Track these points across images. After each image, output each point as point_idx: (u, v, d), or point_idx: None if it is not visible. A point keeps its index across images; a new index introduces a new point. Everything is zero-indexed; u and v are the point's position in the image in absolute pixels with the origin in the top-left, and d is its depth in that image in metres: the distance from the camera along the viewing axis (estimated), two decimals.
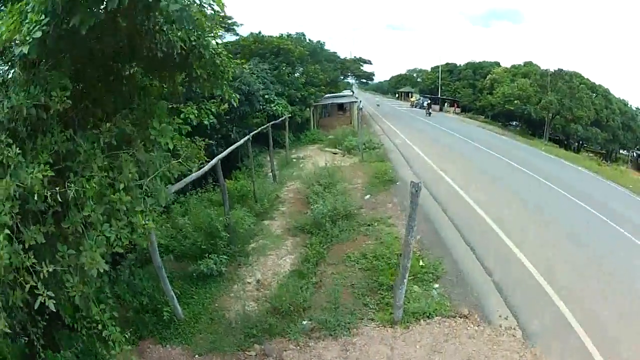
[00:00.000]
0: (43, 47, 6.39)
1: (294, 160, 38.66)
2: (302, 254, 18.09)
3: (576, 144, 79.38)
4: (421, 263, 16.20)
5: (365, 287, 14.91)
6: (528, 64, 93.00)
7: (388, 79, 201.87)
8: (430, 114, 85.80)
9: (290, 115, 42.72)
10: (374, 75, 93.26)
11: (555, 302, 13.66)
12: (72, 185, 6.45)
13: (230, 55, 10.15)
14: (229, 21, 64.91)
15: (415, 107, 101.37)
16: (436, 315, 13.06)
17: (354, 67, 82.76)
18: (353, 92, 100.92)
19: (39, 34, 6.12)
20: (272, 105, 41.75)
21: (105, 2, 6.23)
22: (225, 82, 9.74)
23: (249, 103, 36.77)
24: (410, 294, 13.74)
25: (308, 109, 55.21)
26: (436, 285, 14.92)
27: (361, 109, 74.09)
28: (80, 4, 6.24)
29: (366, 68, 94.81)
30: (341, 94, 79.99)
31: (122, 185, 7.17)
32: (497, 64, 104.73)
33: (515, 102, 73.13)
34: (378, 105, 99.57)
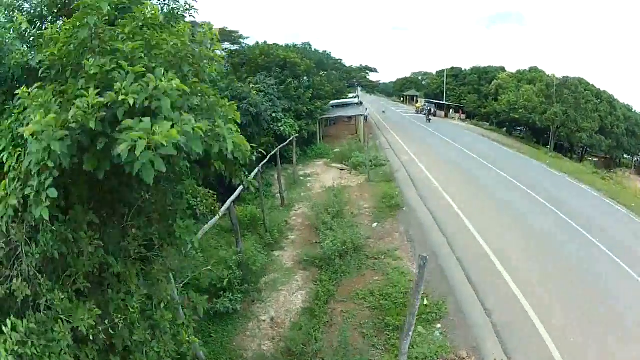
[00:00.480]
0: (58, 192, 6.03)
1: (302, 178, 39.56)
2: (312, 289, 19.07)
3: (580, 150, 79.74)
4: (425, 302, 17.12)
5: (373, 327, 15.96)
6: (533, 69, 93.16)
7: (393, 80, 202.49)
8: (430, 120, 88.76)
9: (297, 134, 43.38)
10: (379, 86, 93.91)
11: (549, 347, 14.49)
12: (120, 314, 7.00)
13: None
14: (235, 35, 65.83)
15: (421, 113, 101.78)
16: (437, 359, 14.01)
17: (360, 77, 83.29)
18: (358, 96, 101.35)
19: (54, 193, 5.79)
20: (279, 124, 42.48)
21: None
22: (243, 169, 10.16)
23: (256, 124, 37.54)
24: (414, 337, 14.64)
25: (314, 123, 55.93)
26: (438, 326, 15.89)
27: (367, 116, 74.78)
28: (94, 153, 5.99)
29: (372, 77, 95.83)
30: (346, 100, 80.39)
31: (162, 304, 7.91)
32: (502, 69, 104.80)
33: (521, 110, 73.41)
34: (384, 112, 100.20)
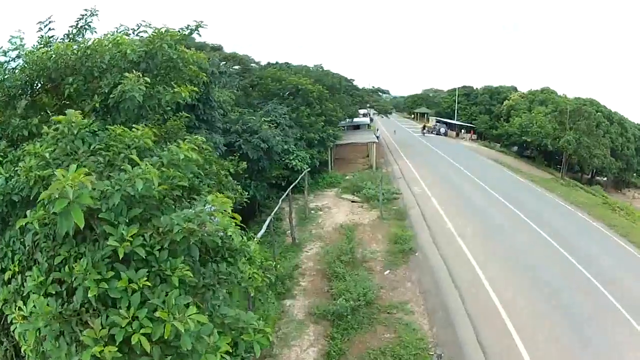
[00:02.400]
0: None
1: (312, 212, 39.60)
2: (324, 346, 19.05)
3: (591, 172, 79.01)
4: None
5: None
6: (545, 89, 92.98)
7: (403, 94, 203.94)
8: (424, 134, 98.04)
9: (308, 168, 43.34)
10: (391, 111, 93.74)
11: None
12: None
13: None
14: (245, 59, 65.87)
15: (432, 132, 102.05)
16: None
17: (372, 100, 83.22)
18: (368, 114, 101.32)
19: None
20: (291, 157, 42.62)
21: None
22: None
23: (268, 157, 37.55)
24: None
25: (326, 151, 56.01)
26: None
27: (378, 137, 74.91)
28: None
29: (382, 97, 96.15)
30: (357, 120, 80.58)
31: None
32: (514, 89, 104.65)
33: (533, 134, 72.55)
34: (394, 131, 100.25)
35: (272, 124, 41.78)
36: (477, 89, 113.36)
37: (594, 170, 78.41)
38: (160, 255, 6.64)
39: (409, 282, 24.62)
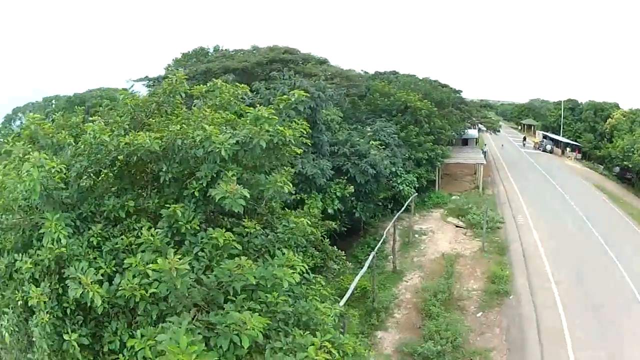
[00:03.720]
0: None
1: (416, 235, 40.99)
2: None
3: None
4: None
5: None
6: None
7: (509, 100, 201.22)
8: (524, 145, 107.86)
9: (416, 192, 45.00)
10: (499, 129, 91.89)
11: None
12: None
13: None
14: (350, 74, 65.19)
15: (538, 149, 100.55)
16: None
17: (480, 116, 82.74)
18: (477, 126, 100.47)
19: None
20: (399, 181, 43.77)
21: None
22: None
23: (375, 181, 38.82)
24: None
25: (434, 170, 56.42)
26: None
27: (485, 153, 74.80)
28: None
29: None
30: (466, 135, 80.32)
31: None
32: (617, 106, 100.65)
33: (635, 161, 70.11)
34: (502, 145, 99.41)
35: (381, 145, 42.50)
36: (581, 103, 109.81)
37: None
38: None
39: (497, 327, 25.63)
